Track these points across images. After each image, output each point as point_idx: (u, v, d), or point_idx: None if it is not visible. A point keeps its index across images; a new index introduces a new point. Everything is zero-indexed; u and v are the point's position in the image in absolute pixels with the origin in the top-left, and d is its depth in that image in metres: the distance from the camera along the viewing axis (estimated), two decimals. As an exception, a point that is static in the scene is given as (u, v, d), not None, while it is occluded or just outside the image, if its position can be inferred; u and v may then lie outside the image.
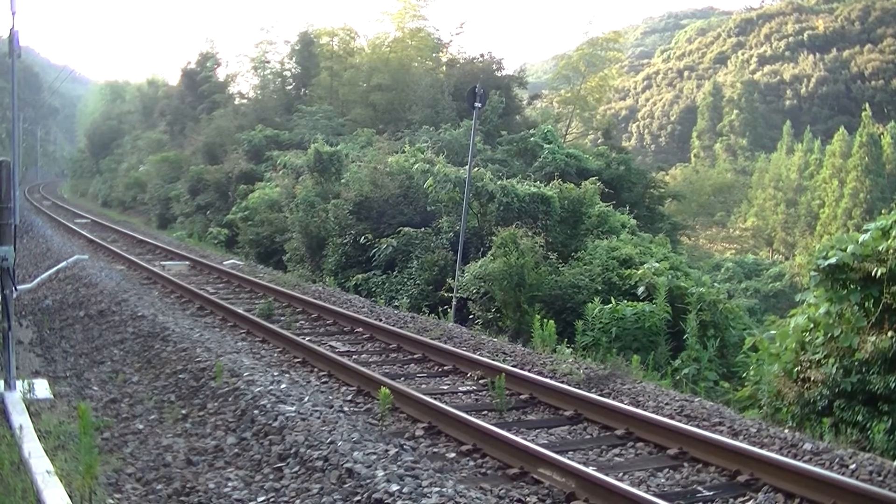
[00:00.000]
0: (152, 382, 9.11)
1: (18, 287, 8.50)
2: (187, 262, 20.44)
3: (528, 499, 5.95)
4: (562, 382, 8.81)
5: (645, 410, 7.72)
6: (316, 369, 9.78)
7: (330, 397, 8.28)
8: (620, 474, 6.40)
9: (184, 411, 7.97)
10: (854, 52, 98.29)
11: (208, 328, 11.97)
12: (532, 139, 26.61)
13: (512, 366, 9.57)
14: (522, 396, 8.58)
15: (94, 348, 11.13)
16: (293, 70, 44.67)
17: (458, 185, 17.66)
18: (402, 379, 9.43)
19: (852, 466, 6.31)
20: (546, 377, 9.03)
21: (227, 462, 6.56)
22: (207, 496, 5.87)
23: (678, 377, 11.51)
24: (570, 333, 12.69)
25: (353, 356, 10.62)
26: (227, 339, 11.03)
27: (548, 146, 25.47)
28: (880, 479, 6.12)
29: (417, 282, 17.44)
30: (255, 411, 7.28)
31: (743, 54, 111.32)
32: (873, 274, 8.56)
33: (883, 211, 10.26)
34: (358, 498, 5.39)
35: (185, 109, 50.93)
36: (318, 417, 6.96)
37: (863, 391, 8.36)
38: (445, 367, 10.01)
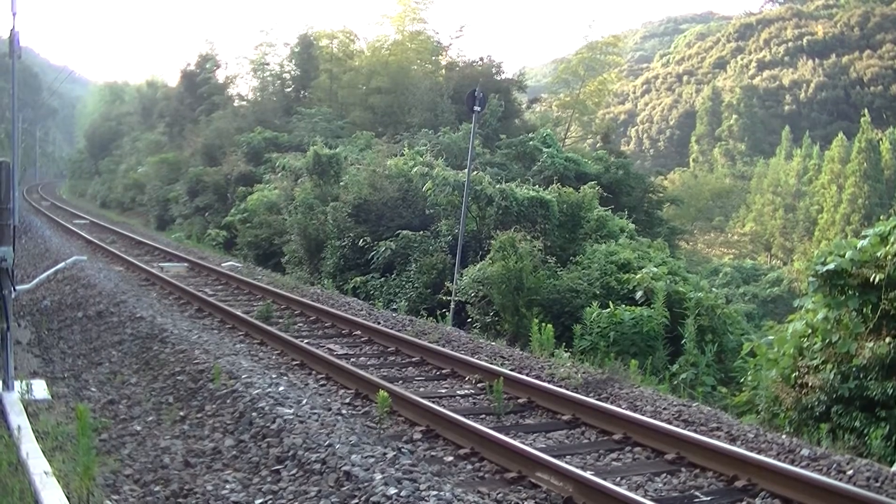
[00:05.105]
0: (150, 384, 9.11)
1: (17, 287, 8.50)
2: (186, 264, 20.44)
3: (525, 503, 5.96)
4: (560, 386, 8.82)
5: (643, 415, 7.73)
6: (314, 372, 9.79)
7: (328, 400, 8.29)
8: (618, 479, 6.40)
9: (182, 413, 7.96)
10: (853, 57, 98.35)
11: (207, 330, 11.96)
12: (531, 143, 26.59)
13: (510, 370, 9.57)
14: (520, 400, 8.59)
15: (92, 349, 11.12)
16: (292, 72, 44.70)
17: (457, 188, 17.66)
18: (401, 382, 9.44)
19: (850, 472, 6.32)
20: (544, 381, 9.03)
21: (225, 464, 6.56)
22: (205, 498, 5.87)
23: (676, 382, 11.50)
24: (569, 338, 12.68)
25: (352, 359, 10.62)
26: (226, 341, 11.04)
27: (547, 150, 25.47)
28: (877, 485, 6.13)
29: (416, 285, 17.43)
30: (254, 413, 7.28)
31: (742, 59, 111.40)
32: (871, 280, 8.57)
33: (881, 217, 10.31)
34: (356, 501, 5.39)
35: (184, 111, 50.91)
36: (317, 420, 6.96)
37: (860, 397, 8.37)
38: (444, 371, 10.02)
